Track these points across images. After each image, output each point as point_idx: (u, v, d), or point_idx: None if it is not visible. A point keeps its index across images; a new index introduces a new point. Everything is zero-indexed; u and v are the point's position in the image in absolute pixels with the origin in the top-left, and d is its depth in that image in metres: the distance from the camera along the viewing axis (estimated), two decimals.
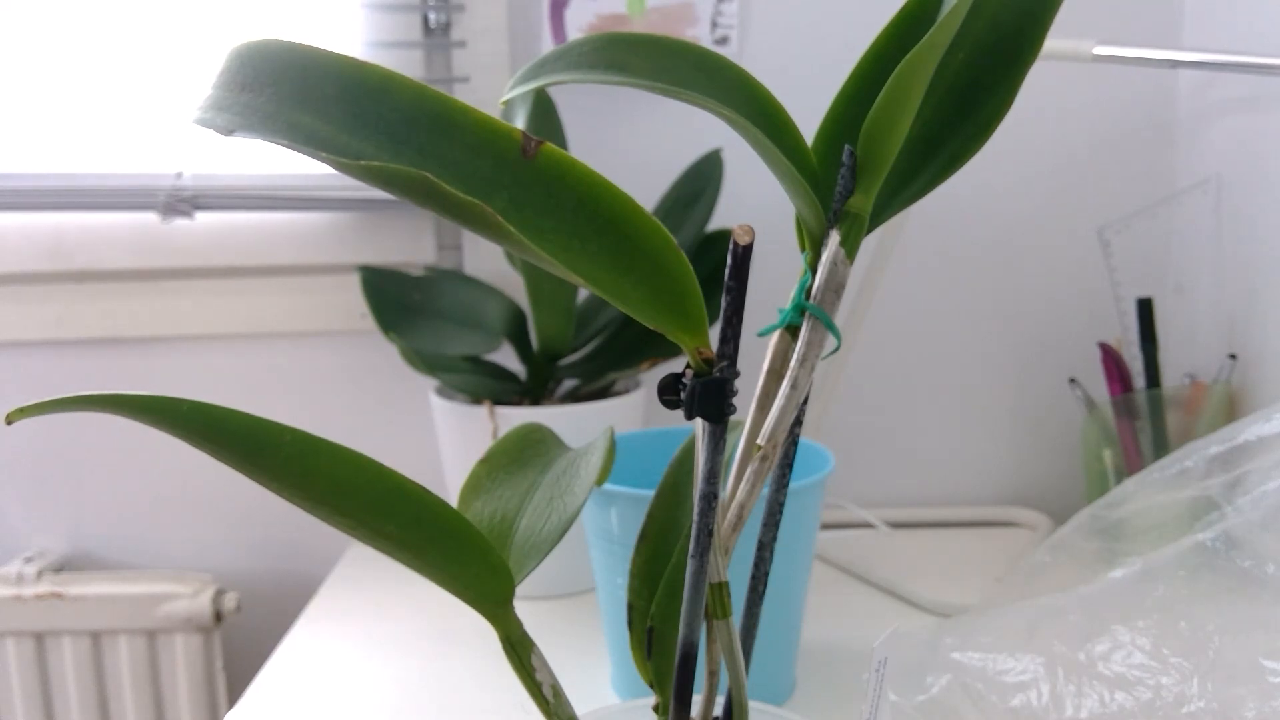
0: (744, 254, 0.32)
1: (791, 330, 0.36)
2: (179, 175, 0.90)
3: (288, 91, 0.30)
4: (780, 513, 0.41)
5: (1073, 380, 0.84)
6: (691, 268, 0.32)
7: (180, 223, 0.91)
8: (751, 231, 0.32)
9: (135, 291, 0.94)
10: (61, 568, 0.97)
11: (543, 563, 0.38)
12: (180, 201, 0.89)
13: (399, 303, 0.85)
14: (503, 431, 0.60)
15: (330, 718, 0.64)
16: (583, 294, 0.85)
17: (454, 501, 0.40)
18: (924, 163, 0.37)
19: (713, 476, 0.34)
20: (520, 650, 0.37)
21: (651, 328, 0.32)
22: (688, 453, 0.46)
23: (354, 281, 0.89)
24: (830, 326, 0.35)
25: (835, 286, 0.35)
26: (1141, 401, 0.78)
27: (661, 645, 0.40)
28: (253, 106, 0.30)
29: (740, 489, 0.37)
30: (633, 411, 0.83)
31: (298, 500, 0.32)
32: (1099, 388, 0.82)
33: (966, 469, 0.96)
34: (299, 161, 0.78)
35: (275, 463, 0.31)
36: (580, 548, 0.65)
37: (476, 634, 0.73)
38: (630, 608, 0.41)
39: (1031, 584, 0.58)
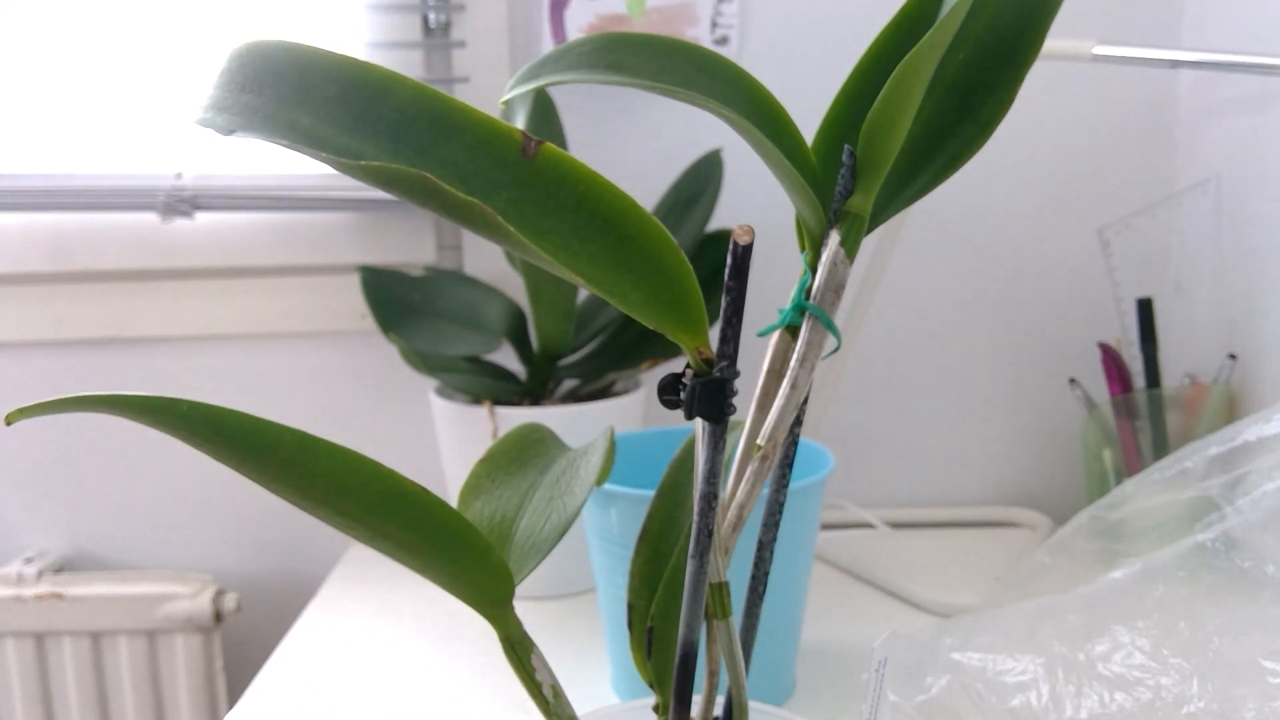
0: (744, 254, 0.32)
1: (791, 330, 0.36)
2: (179, 175, 0.90)
3: (288, 92, 0.30)
4: (780, 513, 0.41)
5: (1073, 380, 0.84)
6: (691, 268, 0.32)
7: (180, 223, 0.91)
8: (751, 231, 0.32)
9: (135, 291, 0.94)
10: (61, 568, 0.97)
11: (543, 563, 0.38)
12: (180, 201, 0.89)
13: (399, 303, 0.85)
14: (503, 431, 0.60)
15: (330, 718, 0.64)
16: (583, 294, 0.85)
17: (454, 501, 0.40)
18: (924, 163, 0.37)
19: (713, 476, 0.34)
20: (520, 650, 0.37)
21: (651, 328, 0.32)
22: (688, 453, 0.46)
23: (354, 281, 0.89)
24: (830, 326, 0.35)
25: (835, 286, 0.35)
26: (1141, 401, 0.78)
27: (661, 645, 0.40)
28: (253, 107, 0.30)
29: (740, 489, 0.37)
30: (633, 411, 0.83)
31: (298, 500, 0.32)
32: (1099, 388, 0.82)
33: (966, 469, 0.96)
34: (299, 161, 0.79)
35: (275, 463, 0.31)
36: (580, 548, 0.65)
37: (477, 634, 0.73)
38: (630, 608, 0.41)
39: (1031, 584, 0.58)
